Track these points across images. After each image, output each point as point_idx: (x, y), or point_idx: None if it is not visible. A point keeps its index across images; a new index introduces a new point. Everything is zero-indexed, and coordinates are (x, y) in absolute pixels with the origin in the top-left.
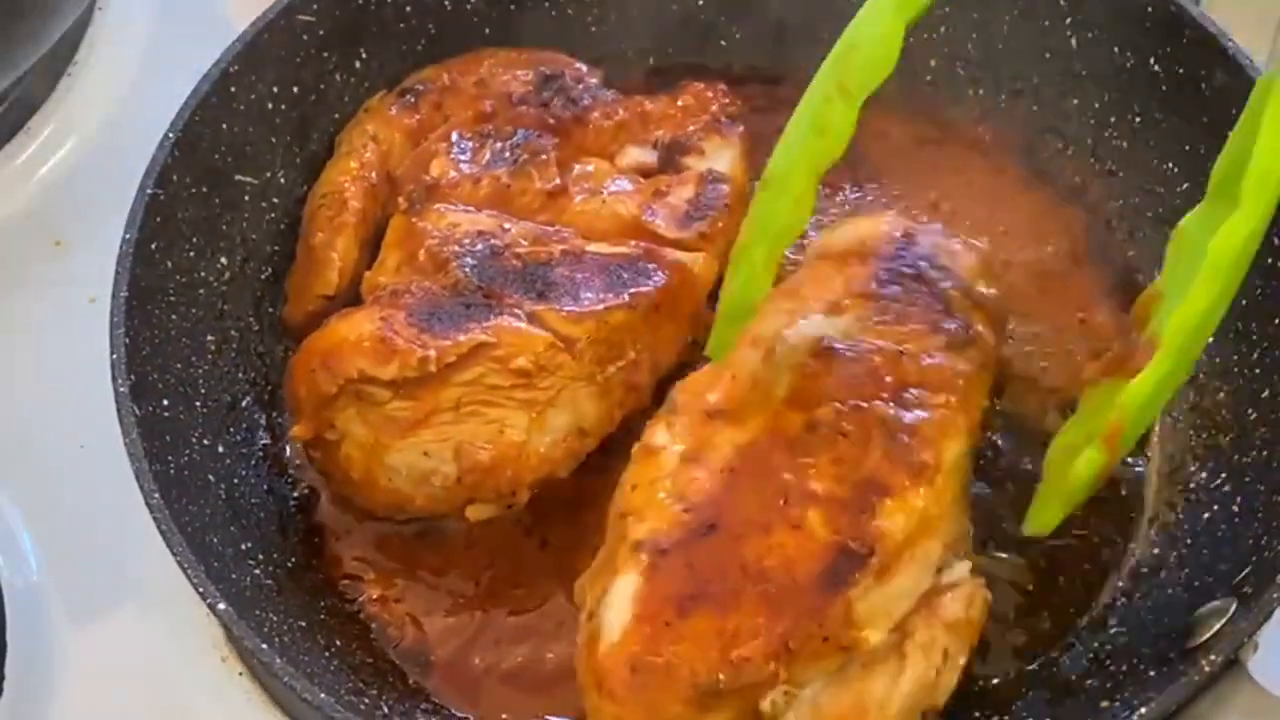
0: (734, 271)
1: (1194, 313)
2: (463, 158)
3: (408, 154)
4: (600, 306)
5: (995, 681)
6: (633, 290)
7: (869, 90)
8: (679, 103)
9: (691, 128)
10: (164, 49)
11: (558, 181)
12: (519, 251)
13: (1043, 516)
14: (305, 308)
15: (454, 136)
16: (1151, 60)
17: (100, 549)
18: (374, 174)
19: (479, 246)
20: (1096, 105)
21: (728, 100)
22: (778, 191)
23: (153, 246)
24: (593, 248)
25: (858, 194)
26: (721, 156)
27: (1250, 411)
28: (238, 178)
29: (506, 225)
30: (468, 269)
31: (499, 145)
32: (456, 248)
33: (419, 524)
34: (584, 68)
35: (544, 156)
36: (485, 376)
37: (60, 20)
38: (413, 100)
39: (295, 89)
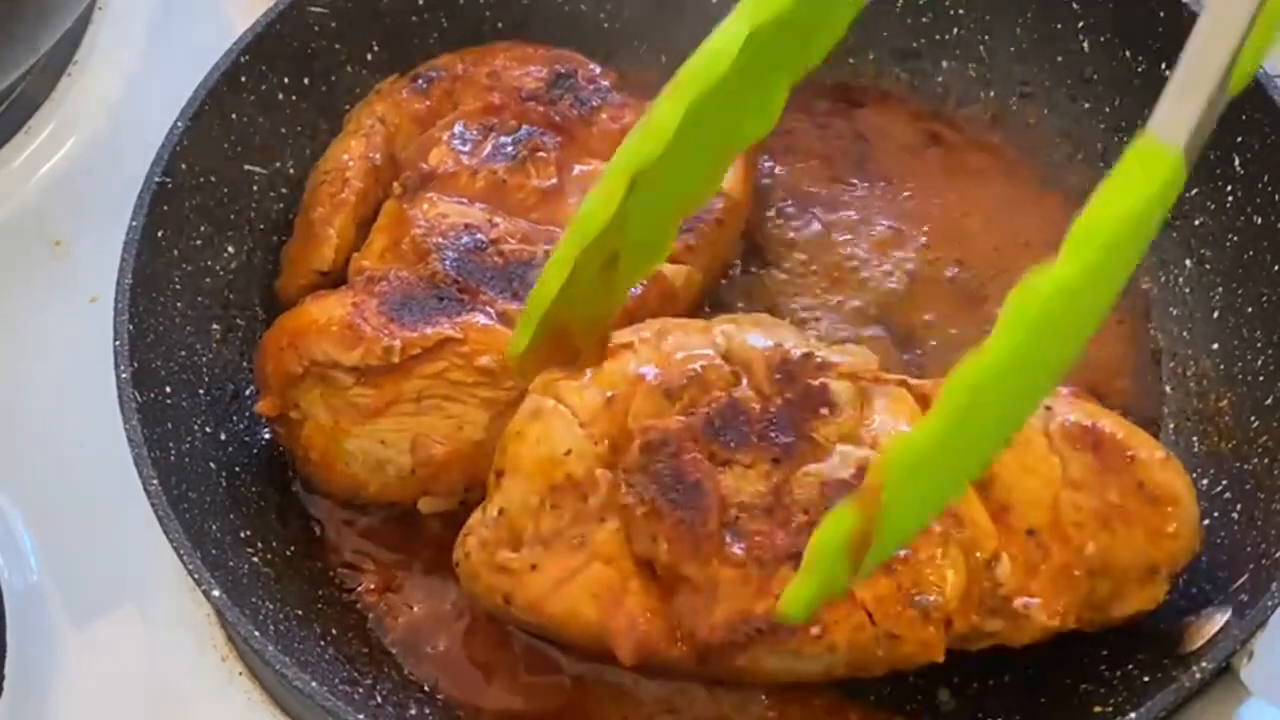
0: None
1: (980, 368)
2: (463, 149)
3: (414, 138)
4: None
5: (989, 684)
6: None
7: (696, 92)
8: None
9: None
10: (164, 49)
11: (554, 181)
12: (503, 248)
13: (788, 596)
14: (299, 281)
15: (457, 127)
16: (1163, 65)
17: (100, 549)
18: (378, 155)
19: (463, 240)
20: (1107, 110)
21: None
22: (593, 191)
23: (159, 234)
24: None
25: (865, 190)
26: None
27: (1252, 419)
28: (246, 167)
29: (496, 220)
30: (446, 262)
31: (501, 139)
32: (440, 239)
33: (418, 515)
34: (597, 69)
35: (543, 154)
36: (448, 371)
37: (60, 20)
38: (424, 86)
39: (306, 80)
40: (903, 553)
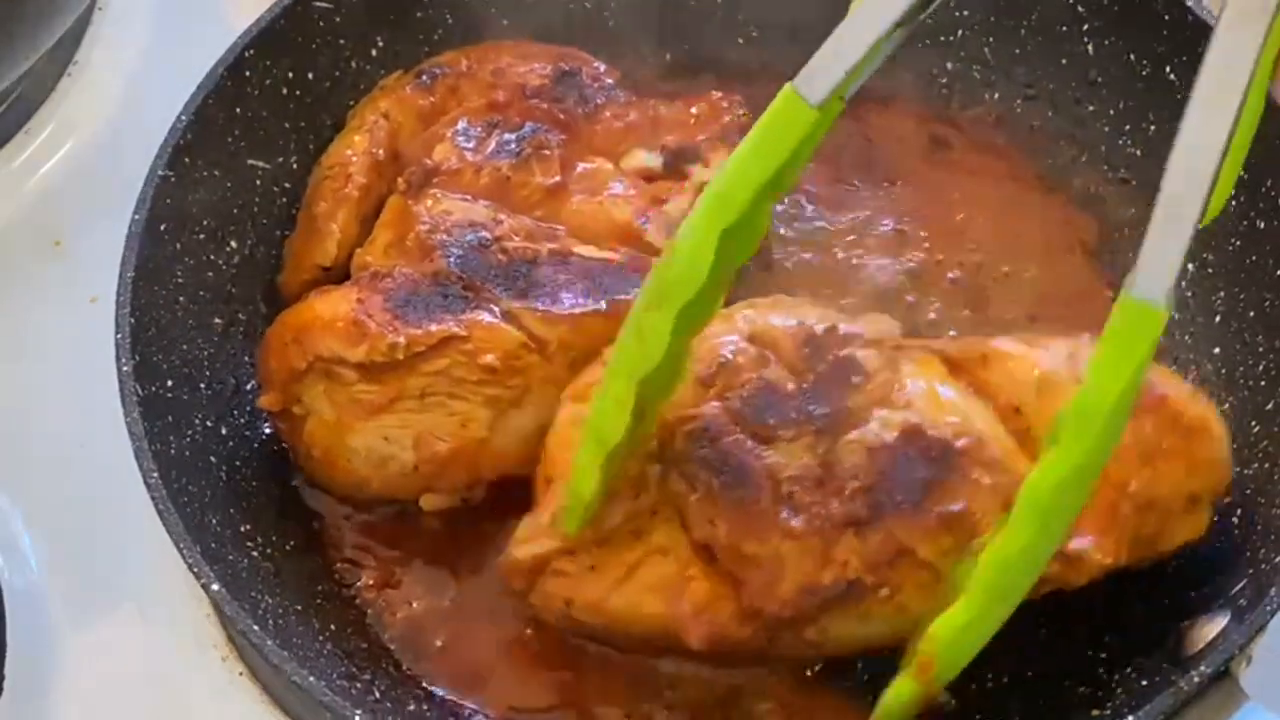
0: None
1: (1005, 554)
2: (467, 145)
3: (418, 134)
4: (576, 311)
5: (988, 686)
6: (612, 297)
7: (682, 303)
8: (693, 110)
9: (701, 136)
10: (164, 49)
11: (558, 178)
12: (507, 246)
13: None
14: (301, 276)
15: (461, 124)
16: (1168, 69)
17: (100, 549)
18: (381, 151)
19: (467, 237)
20: (1111, 113)
21: (741, 112)
22: (601, 394)
23: (162, 228)
24: (580, 250)
25: (869, 191)
26: None
27: (1253, 424)
28: (250, 162)
29: (500, 218)
30: (451, 259)
31: (505, 136)
32: (444, 236)
33: (419, 511)
34: (602, 67)
35: (548, 152)
36: (452, 369)
37: (60, 20)
38: (428, 82)
39: (310, 75)
40: (956, 506)
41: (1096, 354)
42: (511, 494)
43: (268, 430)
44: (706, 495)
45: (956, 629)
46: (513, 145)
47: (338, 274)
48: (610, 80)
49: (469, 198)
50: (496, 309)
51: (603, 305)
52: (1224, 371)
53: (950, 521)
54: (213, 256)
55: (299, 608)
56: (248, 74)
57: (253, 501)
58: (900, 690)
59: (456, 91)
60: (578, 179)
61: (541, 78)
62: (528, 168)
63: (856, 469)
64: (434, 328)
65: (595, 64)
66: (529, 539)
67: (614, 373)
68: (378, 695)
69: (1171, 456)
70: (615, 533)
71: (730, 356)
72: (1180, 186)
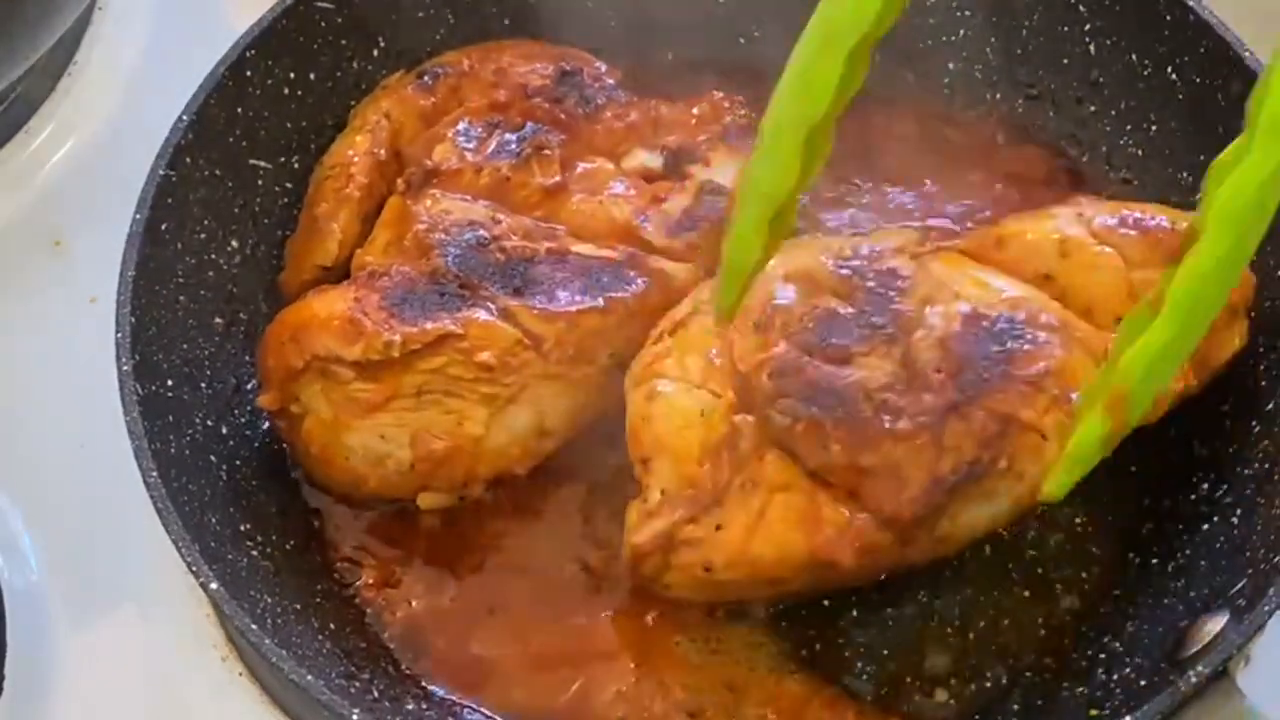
0: (725, 234)
1: (1199, 270)
2: (467, 145)
3: (419, 134)
4: (573, 308)
5: (988, 686)
6: (609, 295)
7: (852, 43)
8: (694, 110)
9: (702, 137)
10: (164, 49)
11: (559, 178)
12: (506, 245)
13: (1052, 482)
14: (301, 276)
15: (462, 124)
16: (1169, 69)
17: (100, 549)
18: (383, 151)
19: (466, 236)
20: (1113, 113)
21: (743, 113)
22: (763, 152)
23: (163, 227)
24: (578, 248)
25: (870, 190)
26: (726, 169)
27: (1254, 424)
28: (251, 161)
29: (499, 217)
30: (449, 258)
31: (506, 136)
32: (442, 235)
33: (418, 510)
34: (603, 67)
35: (548, 152)
36: (448, 366)
37: (60, 20)
38: (430, 82)
39: (312, 75)
40: (1038, 367)
41: (1276, 70)
42: (511, 493)
43: (267, 430)
44: (810, 424)
45: (1153, 354)
46: (513, 145)
47: (338, 273)
48: (611, 80)
49: (468, 198)
50: (493, 307)
51: (600, 302)
52: (1224, 371)
53: (1038, 381)
54: (213, 256)
55: (298, 607)
56: (249, 73)
57: (252, 501)
58: (1090, 430)
59: (458, 91)
60: (578, 179)
61: (543, 78)
62: (528, 168)
63: (936, 362)
64: (430, 326)
65: (596, 64)
66: (644, 521)
67: (778, 127)
68: (376, 694)
69: None
70: (727, 489)
71: (779, 299)
72: None
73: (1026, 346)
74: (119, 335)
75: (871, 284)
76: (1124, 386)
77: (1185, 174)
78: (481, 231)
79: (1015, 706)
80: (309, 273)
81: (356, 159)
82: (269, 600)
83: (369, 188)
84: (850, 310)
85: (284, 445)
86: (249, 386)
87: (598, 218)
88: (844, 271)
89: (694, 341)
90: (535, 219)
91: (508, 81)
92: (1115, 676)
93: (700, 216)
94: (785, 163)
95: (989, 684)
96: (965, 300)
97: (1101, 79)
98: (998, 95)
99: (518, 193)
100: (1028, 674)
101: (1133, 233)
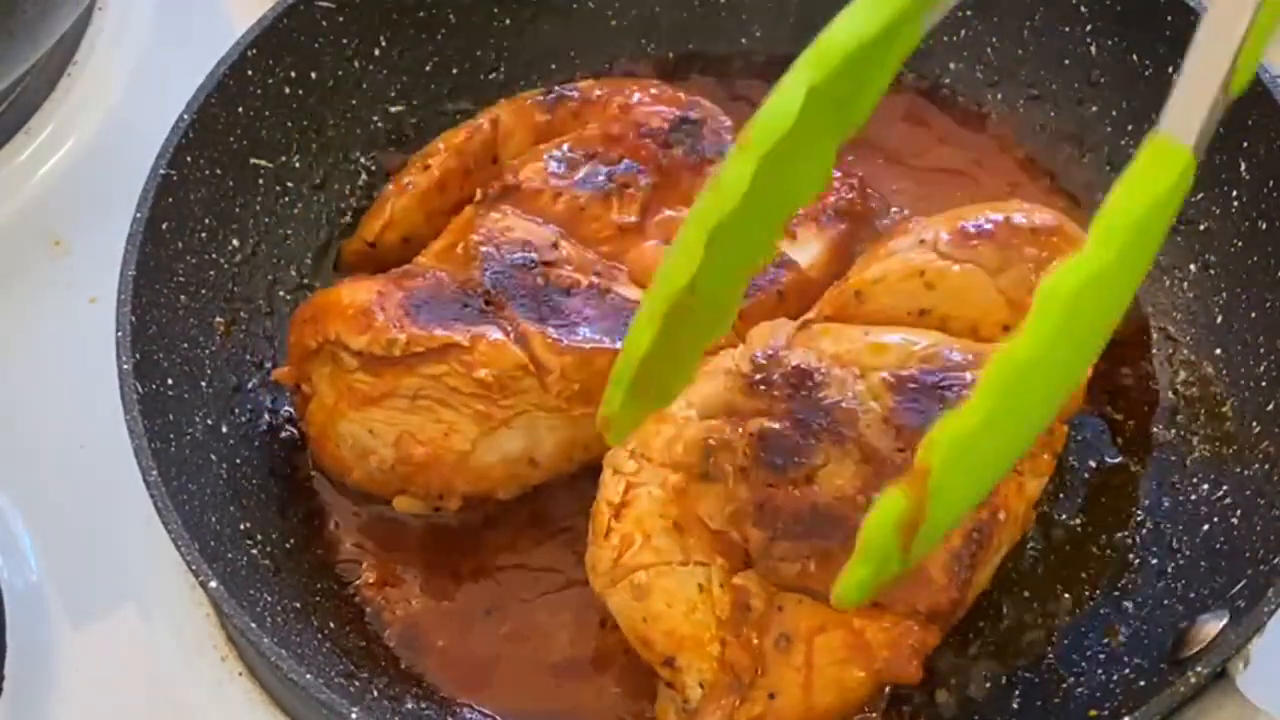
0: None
1: (1015, 357)
2: (556, 170)
3: (527, 147)
4: (587, 345)
5: (988, 686)
6: None
7: (765, 149)
8: None
9: (800, 211)
10: (164, 49)
11: (635, 219)
12: (550, 272)
13: (841, 583)
14: (353, 245)
15: (563, 149)
16: (1170, 69)
17: (100, 549)
18: (474, 150)
19: (514, 256)
20: (1114, 113)
21: (850, 196)
22: (672, 245)
23: (163, 226)
24: (622, 290)
25: (871, 189)
26: (807, 248)
27: (1254, 424)
28: (252, 161)
29: (561, 244)
30: (487, 272)
31: (597, 168)
32: (491, 249)
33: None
34: (727, 121)
35: (632, 191)
36: (448, 376)
37: (60, 20)
38: (552, 101)
39: (313, 75)
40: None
41: (1119, 182)
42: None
43: (268, 430)
44: (818, 558)
45: (957, 434)
46: (600, 178)
47: (384, 255)
48: (730, 138)
49: (539, 220)
50: (510, 329)
51: (617, 345)
52: (1224, 372)
53: None
54: (214, 255)
55: (298, 606)
56: (250, 73)
57: (252, 500)
58: (890, 503)
59: (579, 116)
60: (656, 224)
61: (664, 120)
62: (607, 202)
63: (892, 442)
64: (438, 332)
65: (721, 117)
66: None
67: (688, 222)
68: (376, 693)
69: (1059, 255)
70: (763, 654)
71: (710, 439)
72: (1207, 42)
73: (960, 389)
74: (119, 334)
75: (788, 390)
76: (924, 463)
77: None
78: (532, 254)
79: (1015, 706)
80: (357, 244)
81: (441, 152)
82: (268, 599)
83: (442, 182)
84: (784, 424)
85: (284, 445)
86: (249, 386)
87: (658, 265)
88: (755, 387)
89: (647, 520)
90: (600, 254)
91: (629, 117)
92: (1115, 676)
93: (756, 285)
94: (687, 254)
95: (989, 684)
96: (877, 369)
97: (1103, 79)
98: (999, 95)
99: (590, 224)
100: (1028, 674)
101: (978, 241)
